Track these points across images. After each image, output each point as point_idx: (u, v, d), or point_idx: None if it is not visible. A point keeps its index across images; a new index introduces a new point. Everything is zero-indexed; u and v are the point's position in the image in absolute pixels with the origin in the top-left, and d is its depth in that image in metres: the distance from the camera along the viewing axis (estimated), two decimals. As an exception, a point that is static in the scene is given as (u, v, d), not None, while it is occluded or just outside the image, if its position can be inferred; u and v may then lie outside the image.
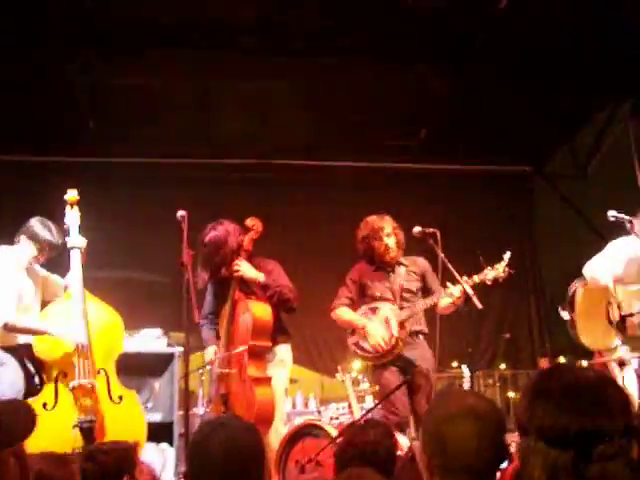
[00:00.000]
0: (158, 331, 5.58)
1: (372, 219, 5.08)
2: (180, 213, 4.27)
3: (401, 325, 4.79)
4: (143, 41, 7.10)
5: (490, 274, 4.55)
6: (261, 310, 4.77)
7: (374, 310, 4.92)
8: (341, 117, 8.70)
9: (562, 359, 10.12)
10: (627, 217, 4.59)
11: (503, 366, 10.13)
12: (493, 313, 9.82)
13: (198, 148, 9.38)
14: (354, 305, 5.14)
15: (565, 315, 4.95)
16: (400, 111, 8.69)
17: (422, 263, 5.09)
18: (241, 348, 4.51)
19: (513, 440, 3.22)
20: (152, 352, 5.40)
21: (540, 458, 1.31)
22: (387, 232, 4.97)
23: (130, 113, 8.32)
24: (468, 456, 1.75)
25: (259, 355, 4.72)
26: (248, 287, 4.94)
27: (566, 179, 10.02)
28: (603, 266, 4.74)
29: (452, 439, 1.78)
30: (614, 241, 4.89)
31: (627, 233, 4.79)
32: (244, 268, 4.83)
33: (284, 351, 5.13)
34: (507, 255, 4.62)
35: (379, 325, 4.80)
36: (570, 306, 4.89)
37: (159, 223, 8.84)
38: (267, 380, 4.64)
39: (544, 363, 9.69)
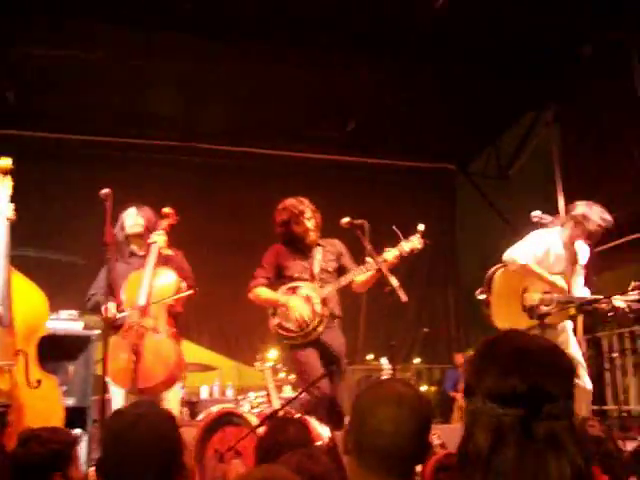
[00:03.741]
0: (74, 313, 5.38)
1: (291, 203, 5.02)
2: (104, 191, 4.11)
3: (324, 302, 4.79)
4: (66, 11, 6.82)
5: (406, 245, 4.60)
6: (180, 282, 4.72)
7: (294, 290, 4.85)
8: (268, 105, 8.66)
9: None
10: (550, 218, 4.73)
11: (418, 360, 10.33)
12: (412, 307, 9.99)
13: (122, 127, 9.16)
14: (271, 286, 5.03)
15: (481, 296, 5.04)
16: (329, 103, 8.71)
17: (338, 244, 5.10)
18: (167, 298, 4.46)
19: (435, 433, 3.27)
20: (68, 334, 5.20)
21: (486, 419, 1.35)
22: (307, 216, 4.94)
23: (51, 86, 8.03)
24: (382, 439, 1.78)
25: (173, 318, 4.64)
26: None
27: (488, 179, 10.28)
28: (524, 249, 4.92)
29: (371, 419, 1.81)
30: (536, 230, 5.06)
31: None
32: (161, 240, 4.75)
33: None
34: (421, 226, 4.66)
35: (301, 302, 4.77)
36: (487, 287, 4.99)
37: (79, 202, 8.61)
38: (180, 340, 4.60)
39: (460, 358, 9.94)
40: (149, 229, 4.93)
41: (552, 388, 1.34)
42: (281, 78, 8.16)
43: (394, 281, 4.35)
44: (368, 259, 4.58)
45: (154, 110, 9.01)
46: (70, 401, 4.95)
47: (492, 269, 5.09)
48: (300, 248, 5.05)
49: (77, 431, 4.80)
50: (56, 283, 7.68)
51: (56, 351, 4.95)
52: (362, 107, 8.87)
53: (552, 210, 6.89)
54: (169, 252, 4.83)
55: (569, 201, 8.23)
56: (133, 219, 4.98)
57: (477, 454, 1.34)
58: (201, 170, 9.64)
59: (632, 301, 4.53)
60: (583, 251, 5.01)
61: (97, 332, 5.17)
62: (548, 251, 4.92)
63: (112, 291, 4.79)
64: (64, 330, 5.19)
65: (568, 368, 1.42)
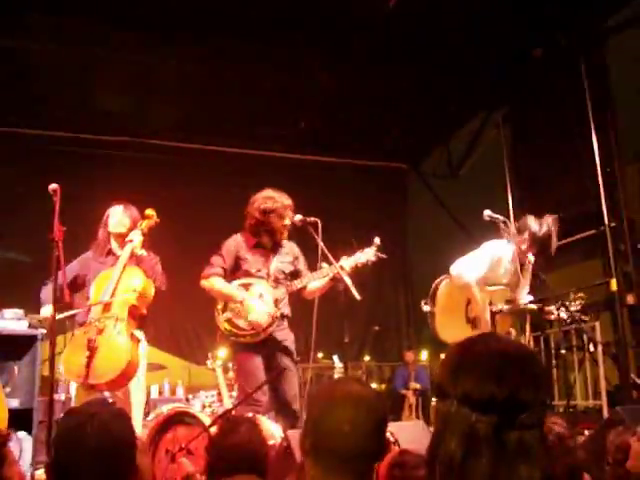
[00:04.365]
0: (20, 312, 5.22)
1: (278, 195, 4.82)
2: (52, 187, 3.98)
3: (275, 303, 4.72)
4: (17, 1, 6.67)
5: (362, 257, 4.60)
6: (148, 284, 4.62)
7: (247, 287, 4.77)
8: (220, 102, 8.58)
9: (426, 352, 10.52)
10: (502, 218, 4.78)
11: (367, 358, 10.39)
12: (363, 306, 9.99)
13: (73, 122, 8.96)
14: (225, 277, 4.88)
15: (426, 308, 5.08)
16: (282, 101, 8.69)
17: (295, 247, 5.01)
18: (129, 295, 4.38)
19: (390, 430, 3.27)
20: (12, 334, 5.05)
21: (459, 423, 1.33)
22: (290, 214, 4.78)
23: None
24: (340, 440, 1.76)
25: (135, 319, 4.54)
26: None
27: (439, 179, 10.39)
28: (469, 265, 4.95)
29: (327, 420, 1.79)
30: (486, 243, 5.10)
31: (498, 235, 5.01)
32: (137, 240, 4.65)
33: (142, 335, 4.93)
34: (377, 240, 4.69)
35: (258, 303, 4.69)
36: (432, 300, 5.03)
37: (24, 199, 8.39)
38: (138, 340, 4.50)
39: (410, 356, 10.02)
40: (132, 230, 4.81)
41: (528, 397, 1.32)
42: (234, 75, 8.12)
43: (348, 280, 4.35)
44: (324, 265, 4.53)
45: (105, 105, 8.86)
46: (14, 402, 4.81)
47: (437, 281, 5.13)
48: (263, 243, 4.93)
49: (21, 433, 4.67)
50: (1, 281, 7.50)
51: (0, 351, 4.81)
52: (315, 105, 8.87)
53: (502, 210, 7.00)
54: (143, 252, 4.70)
55: (518, 201, 8.45)
56: (118, 218, 4.87)
57: (449, 459, 1.33)
58: (151, 166, 9.49)
59: (574, 311, 4.64)
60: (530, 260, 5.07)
61: (43, 331, 5.03)
62: (499, 262, 4.95)
63: (75, 287, 4.74)
64: (8, 330, 5.04)
65: (544, 376, 1.41)
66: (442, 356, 1.71)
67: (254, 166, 9.77)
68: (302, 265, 4.99)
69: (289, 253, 5.00)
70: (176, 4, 6.88)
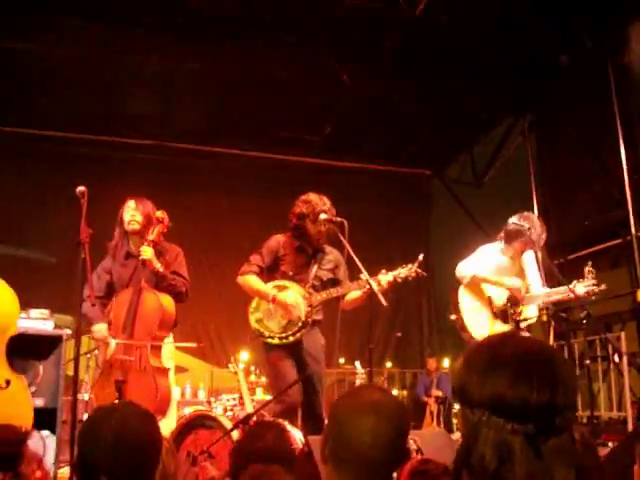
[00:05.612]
0: (45, 312, 5.27)
1: (315, 199, 4.78)
2: (80, 189, 4.01)
3: (309, 307, 4.68)
4: (37, 5, 6.69)
5: (402, 273, 4.54)
6: (169, 304, 4.59)
7: (281, 289, 4.75)
8: (244, 106, 8.64)
9: (448, 359, 10.46)
10: (527, 225, 4.76)
11: (389, 364, 10.35)
12: (385, 312, 9.99)
13: (96, 125, 9.05)
14: (262, 276, 4.84)
15: (453, 317, 5.08)
16: (307, 105, 8.70)
17: (338, 255, 4.90)
18: (146, 343, 4.36)
19: (413, 438, 3.26)
20: (38, 334, 5.09)
21: (492, 434, 1.27)
22: (326, 217, 4.69)
23: (22, 82, 7.93)
24: (360, 449, 1.76)
25: (159, 346, 4.55)
26: (148, 274, 4.72)
27: (463, 185, 10.34)
28: (469, 262, 5.04)
29: (348, 429, 1.78)
30: (481, 247, 5.19)
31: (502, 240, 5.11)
32: (149, 255, 4.61)
33: (170, 342, 4.92)
34: (421, 257, 4.62)
35: (290, 297, 4.66)
36: (454, 307, 5.03)
37: (50, 200, 8.50)
38: (166, 371, 4.48)
39: (432, 363, 9.97)
40: (148, 227, 4.74)
41: (560, 400, 1.27)
42: (259, 79, 8.13)
43: (375, 286, 4.31)
44: (362, 276, 4.45)
45: (127, 109, 8.94)
46: (39, 402, 4.85)
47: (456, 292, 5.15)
48: (304, 248, 4.88)
49: (45, 432, 4.71)
50: (27, 281, 7.57)
51: (25, 351, 4.85)
52: (340, 111, 8.87)
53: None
54: (160, 269, 4.66)
55: (543, 209, 8.39)
56: (130, 214, 4.76)
57: (482, 467, 1.28)
58: (174, 169, 9.55)
59: (589, 285, 4.62)
60: (528, 257, 5.07)
61: (68, 332, 5.07)
62: (495, 263, 5.03)
63: (109, 293, 4.76)
64: (34, 329, 5.09)
65: (572, 377, 1.36)
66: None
67: (276, 171, 9.81)
68: (342, 274, 4.90)
69: (331, 261, 4.93)
70: (197, 7, 6.92)
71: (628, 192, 6.90)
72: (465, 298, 5.06)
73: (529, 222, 4.87)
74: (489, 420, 1.28)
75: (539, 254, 4.99)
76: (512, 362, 1.31)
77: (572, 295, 4.60)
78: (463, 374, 1.36)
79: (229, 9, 6.96)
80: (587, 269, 4.67)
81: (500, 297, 4.97)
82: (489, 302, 4.99)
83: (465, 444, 1.34)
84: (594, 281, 4.62)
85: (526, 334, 4.87)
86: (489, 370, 1.31)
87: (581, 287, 4.62)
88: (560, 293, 4.76)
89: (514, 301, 4.90)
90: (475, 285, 5.02)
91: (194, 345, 4.75)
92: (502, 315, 4.91)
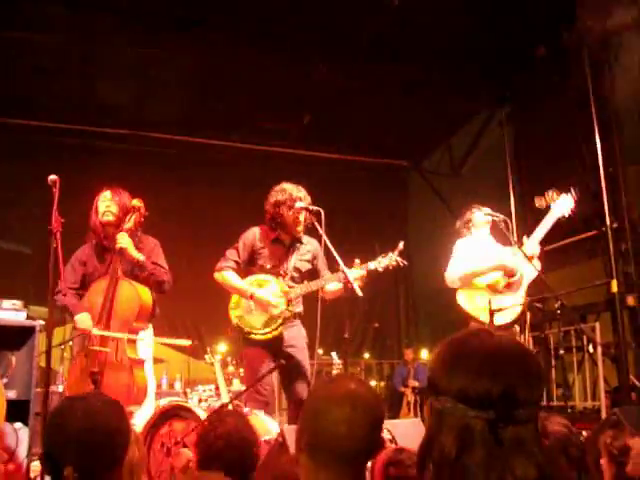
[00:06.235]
0: (18, 302, 5.20)
1: (290, 187, 4.75)
2: (51, 177, 3.96)
3: (288, 303, 4.66)
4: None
5: (383, 262, 4.54)
6: (146, 294, 4.56)
7: (261, 284, 4.72)
8: (223, 95, 8.58)
9: (425, 350, 10.51)
10: (502, 216, 4.78)
11: (367, 355, 10.38)
12: (363, 303, 10.02)
13: (72, 113, 8.95)
14: (239, 271, 4.82)
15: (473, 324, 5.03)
16: (285, 95, 8.66)
17: (317, 244, 4.84)
18: (124, 336, 4.32)
19: (387, 428, 3.26)
20: (10, 324, 5.02)
21: (454, 420, 1.33)
22: (302, 206, 4.66)
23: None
24: (336, 440, 1.76)
25: (141, 325, 4.52)
26: (125, 264, 4.67)
27: (441, 177, 10.36)
28: (454, 264, 5.04)
29: (324, 420, 1.78)
30: (458, 242, 5.17)
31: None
32: (126, 243, 4.55)
33: (149, 333, 4.88)
34: (401, 245, 4.60)
35: (269, 294, 4.63)
36: (468, 316, 4.96)
37: (26, 190, 8.39)
38: (142, 363, 4.45)
39: (409, 354, 10.02)
40: (123, 218, 4.68)
41: (524, 392, 1.33)
42: (238, 69, 8.09)
43: (351, 276, 4.30)
44: (344, 268, 4.42)
45: (106, 98, 8.83)
46: (11, 394, 4.79)
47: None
48: (282, 239, 4.85)
49: (18, 424, 4.65)
50: (1, 272, 7.49)
51: (-3, 342, 4.79)
52: (318, 102, 8.84)
53: (504, 209, 6.98)
54: (140, 257, 4.61)
55: (520, 199, 8.43)
56: (105, 205, 4.73)
57: (443, 455, 1.33)
58: (152, 160, 9.48)
59: None
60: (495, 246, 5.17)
61: (41, 322, 5.01)
62: (476, 253, 5.08)
63: (84, 286, 4.72)
64: (6, 320, 5.02)
65: (539, 373, 1.41)
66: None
67: (255, 161, 9.77)
68: (321, 264, 4.88)
69: (309, 251, 4.90)
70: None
71: (603, 184, 6.95)
72: (467, 301, 5.01)
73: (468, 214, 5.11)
74: (453, 407, 1.34)
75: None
76: (476, 356, 1.37)
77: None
78: (432, 368, 1.43)
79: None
80: None
81: (494, 276, 4.98)
82: (489, 289, 4.97)
83: (428, 434, 1.39)
84: None
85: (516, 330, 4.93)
86: (454, 364, 1.38)
87: None
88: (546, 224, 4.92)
89: (511, 273, 4.93)
90: (468, 284, 5.00)
91: (188, 343, 4.68)
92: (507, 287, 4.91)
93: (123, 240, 4.56)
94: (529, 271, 4.94)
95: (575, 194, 4.88)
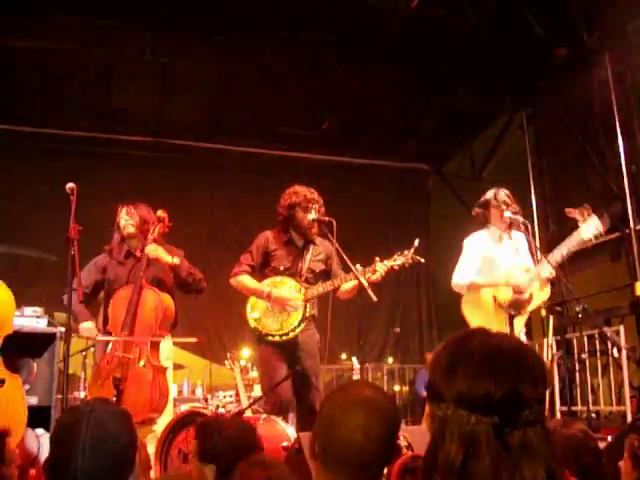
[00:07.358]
0: (39, 310, 5.25)
1: (302, 189, 4.75)
2: (69, 185, 4.01)
3: (305, 304, 4.65)
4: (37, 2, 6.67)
5: (399, 260, 4.49)
6: (170, 302, 4.64)
7: (276, 285, 4.70)
8: (243, 102, 8.61)
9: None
10: (522, 219, 4.72)
11: (391, 360, 10.32)
12: (384, 307, 9.99)
13: (91, 121, 9.03)
14: (254, 274, 4.84)
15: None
16: (305, 101, 8.67)
17: (329, 246, 4.80)
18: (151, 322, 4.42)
19: (403, 434, 3.23)
20: (32, 331, 5.07)
21: (457, 427, 1.27)
22: (316, 207, 4.69)
23: (17, 78, 7.91)
24: (351, 447, 1.74)
25: (158, 344, 4.54)
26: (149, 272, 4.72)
27: (462, 180, 10.30)
28: (462, 269, 4.94)
29: (339, 427, 1.76)
30: (467, 240, 5.08)
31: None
32: (158, 252, 4.61)
33: (169, 342, 4.90)
34: (416, 242, 4.57)
35: (285, 292, 4.63)
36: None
37: (46, 197, 8.46)
38: (164, 370, 4.47)
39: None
40: (144, 227, 4.78)
41: (527, 393, 1.27)
42: (257, 75, 8.10)
43: (364, 281, 4.28)
44: (358, 267, 4.39)
45: (126, 105, 8.90)
46: (33, 400, 4.83)
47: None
48: (295, 241, 4.86)
49: (39, 430, 4.69)
50: (20, 279, 7.54)
51: (19, 349, 4.83)
52: (338, 106, 8.84)
53: (525, 211, 6.91)
54: (175, 261, 4.68)
55: (542, 203, 8.35)
56: (125, 219, 4.84)
57: (448, 464, 1.27)
58: (174, 167, 9.52)
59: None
60: (518, 237, 5.03)
61: (62, 329, 5.05)
62: (485, 256, 4.95)
63: (95, 294, 4.78)
64: (28, 327, 5.07)
65: (541, 370, 1.35)
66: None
67: (275, 166, 9.77)
68: (335, 265, 4.85)
69: (322, 252, 4.90)
70: (197, 3, 6.88)
71: (627, 185, 6.87)
72: (472, 314, 4.91)
73: (489, 193, 4.98)
74: (454, 413, 1.28)
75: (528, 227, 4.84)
76: (475, 358, 1.31)
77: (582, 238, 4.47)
78: (430, 372, 1.37)
79: (226, 3, 6.92)
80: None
81: (503, 290, 4.80)
82: (494, 302, 4.84)
83: (431, 443, 1.33)
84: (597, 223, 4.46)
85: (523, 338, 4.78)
86: (453, 367, 1.32)
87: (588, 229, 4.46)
88: (569, 244, 4.58)
89: (519, 290, 4.71)
90: (475, 290, 4.88)
91: (193, 340, 4.73)
92: (514, 306, 4.75)
93: (152, 250, 4.61)
94: (540, 294, 4.74)
95: (606, 221, 4.59)
